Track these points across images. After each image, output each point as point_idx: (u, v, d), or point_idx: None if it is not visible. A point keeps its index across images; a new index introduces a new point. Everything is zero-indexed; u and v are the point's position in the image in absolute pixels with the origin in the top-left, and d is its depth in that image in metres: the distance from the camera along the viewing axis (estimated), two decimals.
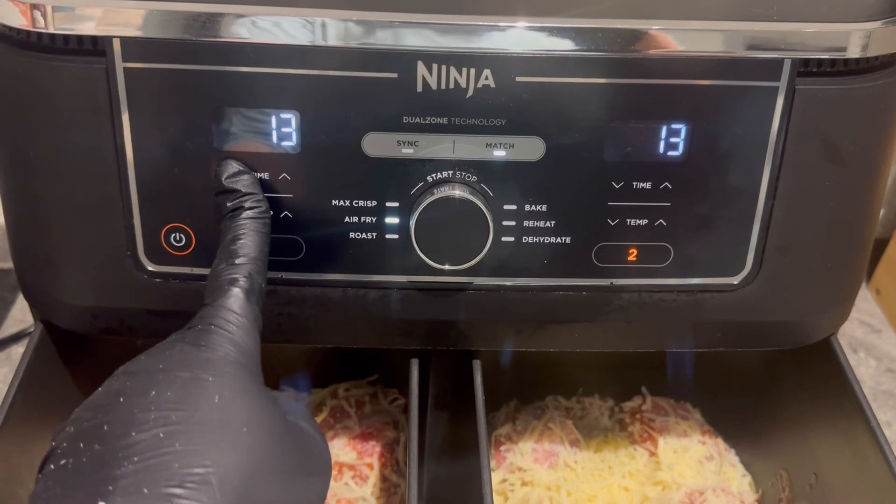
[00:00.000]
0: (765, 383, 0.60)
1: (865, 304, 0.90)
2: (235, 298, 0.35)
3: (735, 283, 0.44)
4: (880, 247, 0.90)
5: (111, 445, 0.29)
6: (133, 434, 0.29)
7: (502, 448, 0.60)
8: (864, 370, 0.83)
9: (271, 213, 0.39)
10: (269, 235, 0.38)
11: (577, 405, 0.64)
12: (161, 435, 0.29)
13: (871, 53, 0.41)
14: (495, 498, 0.58)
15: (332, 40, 0.38)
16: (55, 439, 0.31)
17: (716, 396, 0.63)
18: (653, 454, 0.59)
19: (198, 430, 0.29)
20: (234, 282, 0.35)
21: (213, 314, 0.35)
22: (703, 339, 0.47)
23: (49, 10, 0.38)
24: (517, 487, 0.58)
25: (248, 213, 0.38)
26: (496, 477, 0.59)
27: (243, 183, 0.39)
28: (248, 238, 0.37)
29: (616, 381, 0.65)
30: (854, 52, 0.41)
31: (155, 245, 0.42)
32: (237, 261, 0.36)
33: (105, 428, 0.29)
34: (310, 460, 0.34)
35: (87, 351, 0.51)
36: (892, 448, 0.46)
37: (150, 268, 0.43)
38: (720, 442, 0.62)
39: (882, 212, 0.93)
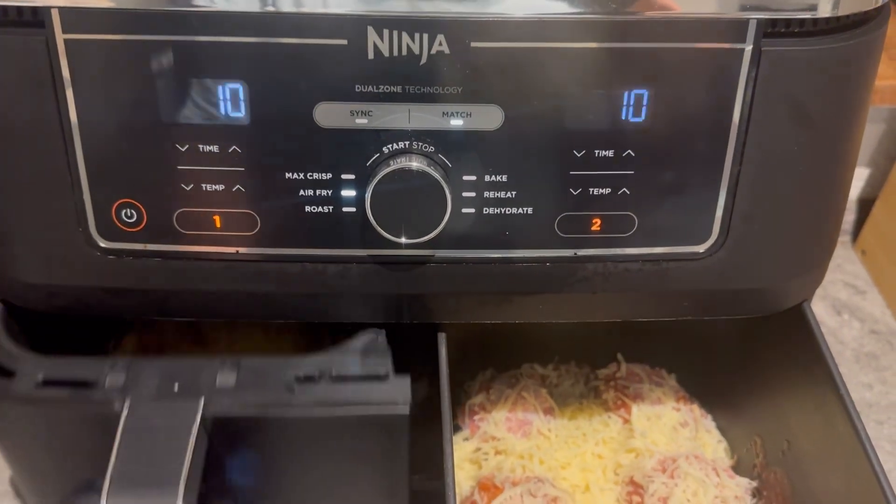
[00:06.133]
0: (741, 349, 0.59)
1: (851, 265, 0.89)
2: None
3: (701, 251, 0.43)
4: (866, 207, 0.88)
5: None
6: None
7: (476, 417, 0.59)
8: (848, 332, 0.82)
9: None
10: None
11: (554, 373, 0.64)
12: None
13: (842, 12, 0.39)
14: (469, 466, 0.58)
15: (278, 6, 0.37)
16: None
17: (693, 362, 0.63)
18: (626, 421, 0.59)
19: None
20: None
21: None
22: (669, 309, 0.46)
23: None
24: (490, 456, 0.58)
25: None
26: (470, 446, 0.59)
27: None
28: None
29: (593, 348, 0.64)
30: (825, 11, 0.39)
31: (106, 221, 0.41)
32: None
33: None
34: None
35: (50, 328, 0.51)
36: (860, 415, 0.46)
37: (102, 244, 0.42)
38: (696, 408, 0.62)
39: (868, 171, 0.92)
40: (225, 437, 0.43)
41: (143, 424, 0.41)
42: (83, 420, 0.43)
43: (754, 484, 0.56)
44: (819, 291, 0.85)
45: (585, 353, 0.65)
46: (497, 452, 0.58)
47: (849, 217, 0.93)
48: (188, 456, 0.39)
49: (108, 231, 0.42)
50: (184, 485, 0.39)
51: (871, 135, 0.89)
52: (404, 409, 0.43)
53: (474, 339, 0.62)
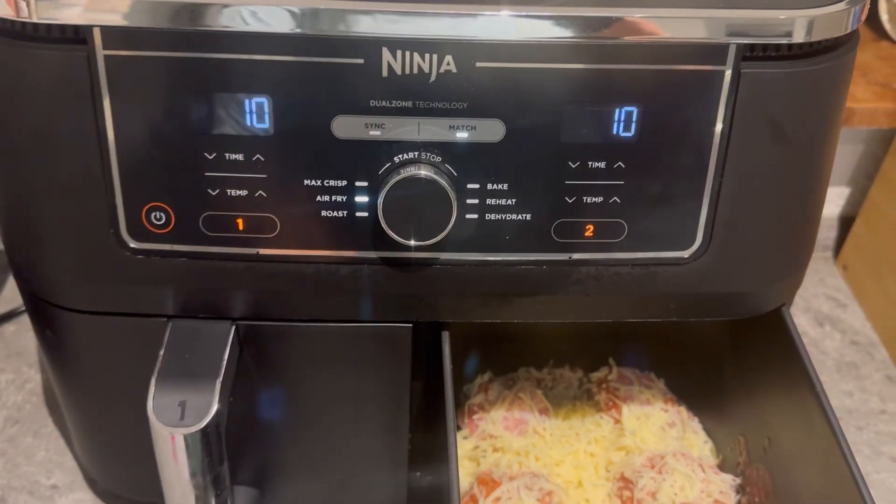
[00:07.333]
0: (726, 352, 0.63)
1: (832, 279, 0.93)
2: None
3: (686, 256, 0.47)
4: (847, 224, 0.92)
5: None
6: None
7: (475, 416, 0.62)
8: (830, 343, 0.86)
9: None
10: None
11: (548, 376, 0.67)
12: None
13: (815, 38, 0.43)
14: (468, 463, 0.61)
15: (302, 28, 0.40)
16: None
17: (681, 367, 0.66)
18: (617, 421, 0.62)
19: None
20: None
21: None
22: (657, 310, 0.50)
23: (33, 0, 0.40)
24: (489, 453, 0.60)
25: None
26: (469, 444, 0.62)
27: None
28: None
29: (586, 353, 0.68)
30: (799, 38, 0.43)
31: (136, 223, 0.45)
32: None
33: None
34: None
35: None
36: (835, 413, 0.49)
37: (132, 245, 0.45)
38: (683, 410, 0.65)
39: (848, 190, 0.96)
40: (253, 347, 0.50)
41: (185, 335, 0.48)
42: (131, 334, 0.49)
43: (738, 480, 0.59)
44: (802, 304, 0.89)
45: (579, 358, 0.68)
46: (495, 450, 0.60)
47: (831, 234, 0.96)
48: (225, 359, 0.47)
49: (138, 232, 0.45)
50: (220, 384, 0.46)
51: (850, 155, 0.93)
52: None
53: (471, 343, 0.65)
